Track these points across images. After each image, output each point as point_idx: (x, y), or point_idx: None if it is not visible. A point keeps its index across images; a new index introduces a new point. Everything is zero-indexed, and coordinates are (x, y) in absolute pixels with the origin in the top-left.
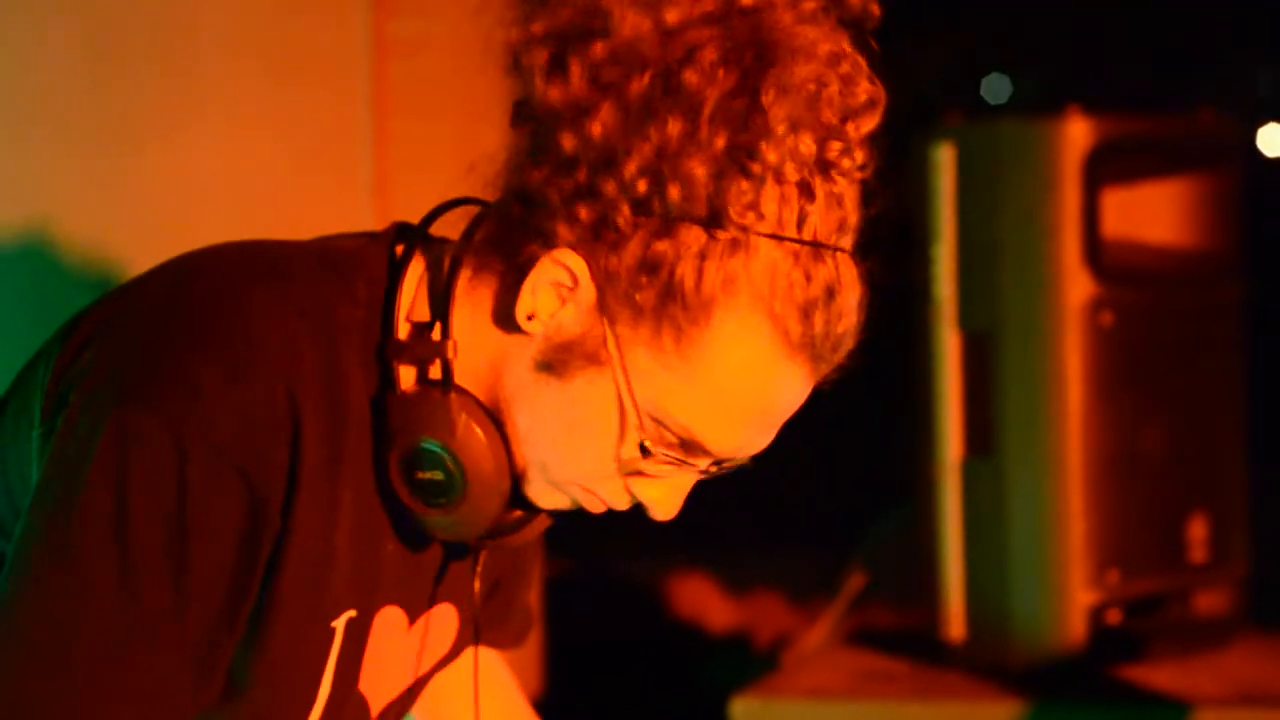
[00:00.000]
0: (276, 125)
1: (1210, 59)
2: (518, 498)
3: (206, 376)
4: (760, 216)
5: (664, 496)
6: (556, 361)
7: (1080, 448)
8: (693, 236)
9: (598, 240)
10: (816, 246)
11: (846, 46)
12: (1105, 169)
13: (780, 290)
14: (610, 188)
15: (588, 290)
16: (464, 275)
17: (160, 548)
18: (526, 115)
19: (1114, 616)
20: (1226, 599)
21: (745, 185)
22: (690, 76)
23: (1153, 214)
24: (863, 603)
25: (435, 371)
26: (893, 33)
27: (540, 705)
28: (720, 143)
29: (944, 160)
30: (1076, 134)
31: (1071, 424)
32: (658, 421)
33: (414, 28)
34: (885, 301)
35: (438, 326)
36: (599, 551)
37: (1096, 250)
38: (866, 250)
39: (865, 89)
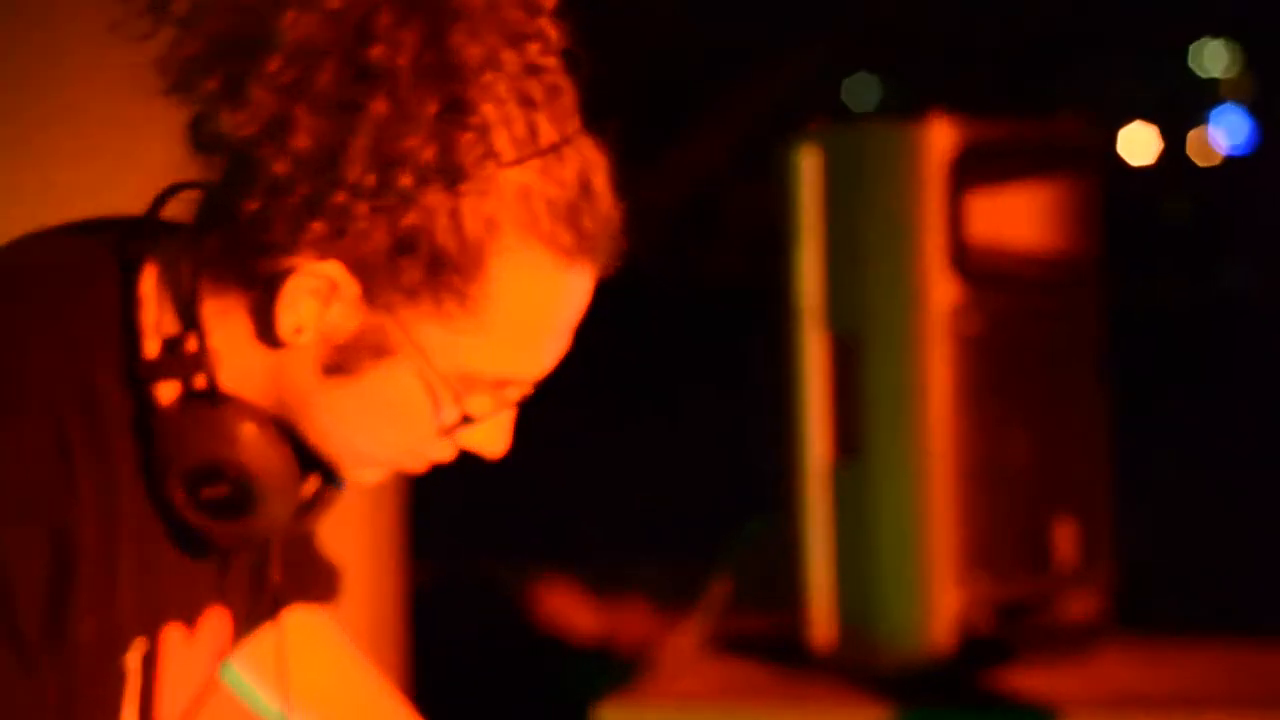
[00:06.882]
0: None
1: (1072, 61)
2: (309, 467)
3: None
4: (495, 154)
5: (491, 436)
6: (342, 362)
7: (946, 452)
8: (437, 201)
9: (341, 238)
10: (556, 149)
11: None
12: (968, 173)
13: (540, 209)
14: (336, 195)
15: (349, 288)
16: (206, 282)
17: None
18: (212, 142)
19: (981, 621)
20: (1092, 603)
21: (470, 137)
22: (376, 52)
23: (1016, 218)
24: (728, 609)
25: (198, 383)
26: (754, 39)
27: None
28: (431, 108)
29: (809, 165)
30: (940, 138)
31: (937, 428)
32: (468, 381)
33: None
34: (752, 306)
35: (192, 338)
36: (463, 555)
37: (960, 254)
38: (732, 254)
39: None
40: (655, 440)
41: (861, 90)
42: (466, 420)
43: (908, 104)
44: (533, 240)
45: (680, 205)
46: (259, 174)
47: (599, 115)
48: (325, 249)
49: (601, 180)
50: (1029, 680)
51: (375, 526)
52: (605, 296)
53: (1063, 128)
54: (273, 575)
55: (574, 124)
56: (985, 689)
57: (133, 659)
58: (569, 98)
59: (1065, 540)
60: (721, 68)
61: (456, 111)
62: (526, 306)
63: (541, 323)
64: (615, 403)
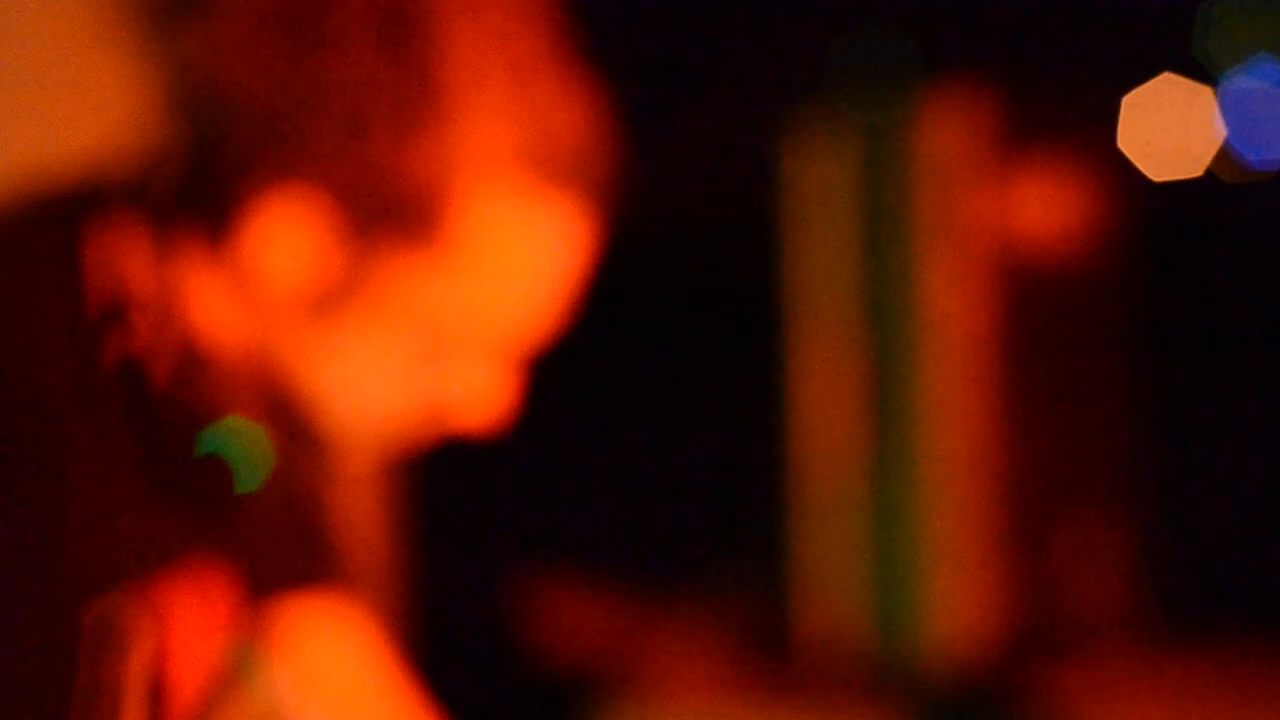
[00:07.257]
0: None
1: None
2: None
3: None
4: (459, 96)
5: (486, 402)
6: (322, 323)
7: (963, 448)
8: (405, 150)
9: (309, 191)
10: (528, 86)
11: None
12: (984, 163)
13: (514, 149)
14: (295, 148)
15: (323, 245)
16: (177, 246)
17: None
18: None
19: (1001, 624)
20: (1117, 602)
21: (433, 79)
22: None
23: (1037, 209)
24: (730, 607)
25: (186, 362)
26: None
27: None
28: (390, 51)
29: (813, 155)
30: (955, 127)
31: (952, 425)
32: (460, 330)
33: None
34: (757, 305)
35: (172, 311)
36: (462, 554)
37: (975, 247)
38: (736, 252)
39: None
40: (655, 439)
41: (873, 48)
42: (456, 381)
43: (923, 67)
44: (509, 183)
45: (679, 198)
46: (212, 125)
47: (588, 44)
48: (293, 204)
49: (581, 115)
50: (1050, 683)
51: (378, 522)
52: (607, 297)
53: (1088, 114)
54: (276, 551)
55: (551, 57)
56: (1001, 692)
57: (138, 637)
58: (546, 28)
59: (1089, 539)
60: (720, 53)
61: (416, 53)
62: (507, 250)
63: (523, 266)
64: (613, 402)
